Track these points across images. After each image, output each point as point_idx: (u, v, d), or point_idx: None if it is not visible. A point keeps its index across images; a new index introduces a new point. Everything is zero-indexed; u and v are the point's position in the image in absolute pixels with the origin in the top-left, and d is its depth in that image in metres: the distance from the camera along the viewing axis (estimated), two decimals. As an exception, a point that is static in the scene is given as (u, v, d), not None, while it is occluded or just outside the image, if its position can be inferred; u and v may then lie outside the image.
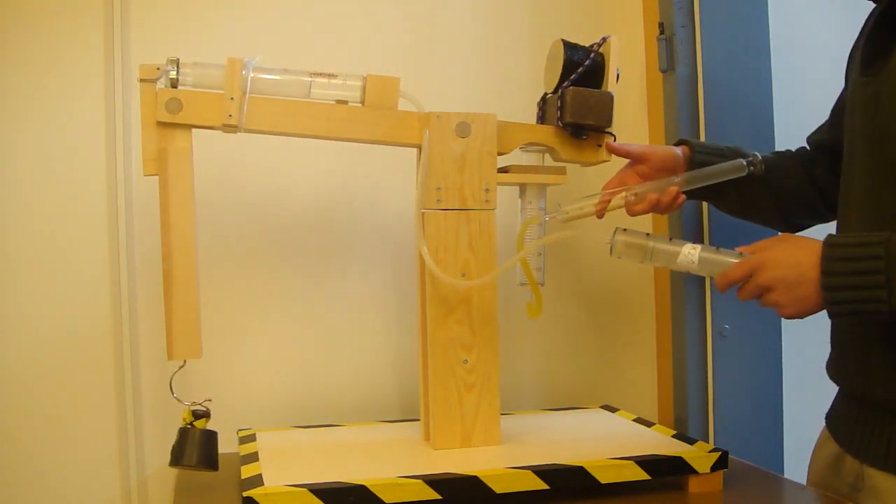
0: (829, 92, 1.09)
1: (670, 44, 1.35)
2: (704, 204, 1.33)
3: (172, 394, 1.02)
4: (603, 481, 0.97)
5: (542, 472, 0.95)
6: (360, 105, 1.06)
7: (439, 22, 1.37)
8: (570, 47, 1.10)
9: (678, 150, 1.12)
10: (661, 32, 1.36)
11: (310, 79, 1.04)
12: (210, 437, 1.01)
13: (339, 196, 1.32)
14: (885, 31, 0.93)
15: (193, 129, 1.01)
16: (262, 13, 1.29)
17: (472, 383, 1.07)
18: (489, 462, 0.99)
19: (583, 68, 1.08)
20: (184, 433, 1.00)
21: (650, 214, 1.41)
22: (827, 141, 1.10)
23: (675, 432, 1.13)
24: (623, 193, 1.07)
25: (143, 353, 1.24)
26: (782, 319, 1.01)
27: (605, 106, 1.08)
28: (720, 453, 1.01)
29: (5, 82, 1.20)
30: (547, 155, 1.14)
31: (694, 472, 1.00)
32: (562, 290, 1.42)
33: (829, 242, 0.85)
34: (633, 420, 1.23)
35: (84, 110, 1.22)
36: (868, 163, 0.92)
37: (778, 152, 1.19)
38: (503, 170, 1.09)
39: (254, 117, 1.02)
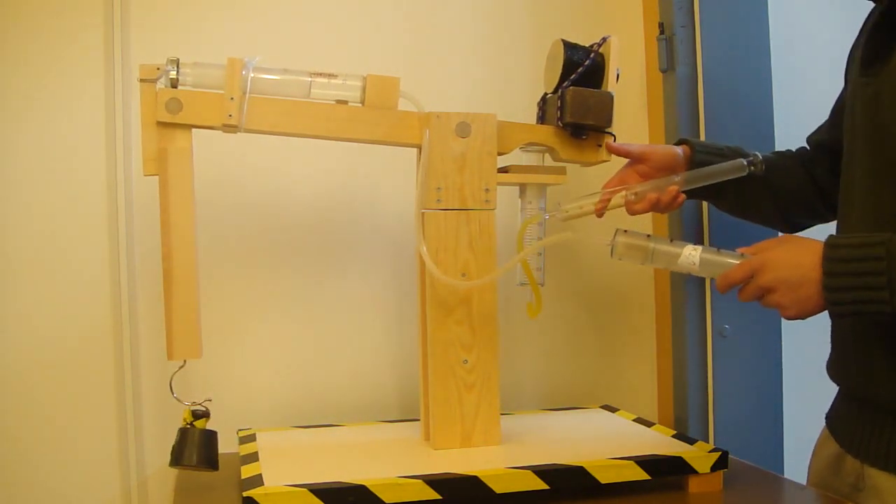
0: (829, 92, 1.09)
1: (670, 44, 1.35)
2: (704, 204, 1.33)
3: (172, 394, 1.02)
4: (603, 481, 0.97)
5: (542, 472, 0.95)
6: (360, 105, 1.06)
7: (439, 22, 1.37)
8: (570, 47, 1.10)
9: (678, 150, 1.12)
10: (661, 32, 1.36)
11: (310, 79, 1.04)
12: (210, 437, 1.01)
13: (339, 196, 1.32)
14: (885, 31, 0.93)
15: (193, 129, 1.01)
16: (262, 13, 1.29)
17: (472, 383, 1.07)
18: (489, 462, 0.99)
19: (583, 68, 1.08)
20: (184, 433, 1.00)
21: (650, 214, 1.41)
22: (827, 141, 1.10)
23: (675, 432, 1.13)
24: (623, 192, 1.07)
25: (143, 353, 1.24)
26: (782, 319, 1.01)
27: (605, 106, 1.08)
28: (720, 453, 1.01)
29: (5, 82, 1.20)
30: (547, 155, 1.14)
31: (694, 472, 1.00)
32: (562, 290, 1.42)
33: (831, 243, 0.85)
34: (633, 420, 1.23)
35: (84, 110, 1.22)
36: (868, 162, 0.92)
37: (778, 152, 1.19)
38: (503, 170, 1.09)
39: (254, 117, 1.02)
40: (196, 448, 0.99)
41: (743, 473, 1.09)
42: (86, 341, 1.22)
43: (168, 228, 0.99)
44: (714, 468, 1.01)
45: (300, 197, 1.31)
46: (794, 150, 1.18)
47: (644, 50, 1.43)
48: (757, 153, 1.08)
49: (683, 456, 1.00)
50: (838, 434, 1.01)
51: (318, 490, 0.89)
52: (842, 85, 1.06)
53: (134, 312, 1.24)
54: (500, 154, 1.08)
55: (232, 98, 1.00)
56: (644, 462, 0.99)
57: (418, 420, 1.15)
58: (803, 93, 1.37)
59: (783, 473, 1.30)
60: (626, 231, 0.98)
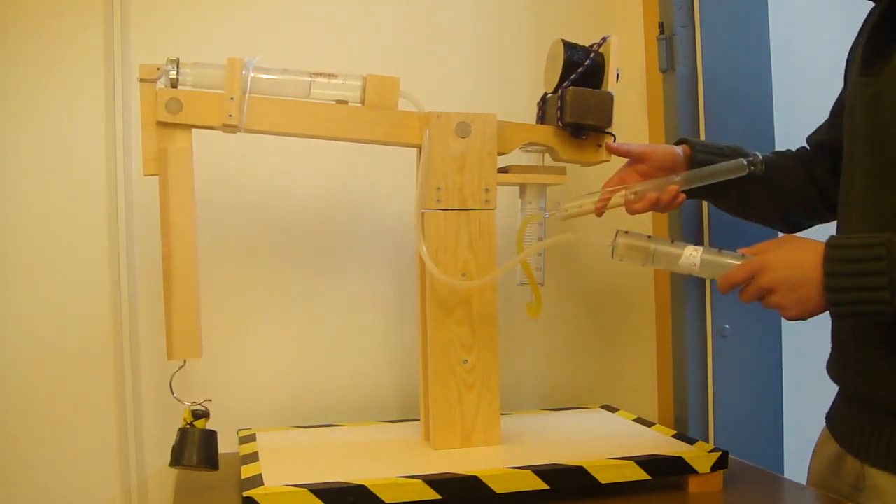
0: (829, 92, 1.09)
1: (670, 44, 1.35)
2: (705, 204, 1.33)
3: (172, 394, 1.02)
4: (603, 481, 0.97)
5: (542, 472, 0.95)
6: (360, 105, 1.06)
7: (439, 22, 1.37)
8: (570, 47, 1.10)
9: (678, 149, 1.12)
10: (661, 32, 1.36)
11: (310, 79, 1.04)
12: (210, 437, 1.01)
13: (339, 196, 1.32)
14: (885, 30, 0.93)
15: (193, 129, 1.01)
16: (262, 13, 1.29)
17: (472, 383, 1.07)
18: (489, 462, 0.99)
19: (583, 68, 1.08)
20: (184, 433, 1.00)
21: (650, 214, 1.41)
22: (827, 141, 1.10)
23: (675, 432, 1.13)
24: (623, 192, 1.07)
25: (143, 353, 1.24)
26: (782, 319, 1.01)
27: (605, 106, 1.08)
28: (720, 453, 1.01)
29: (5, 82, 1.20)
30: (547, 155, 1.14)
31: (694, 472, 1.00)
32: (562, 290, 1.42)
33: (831, 244, 0.85)
34: (633, 420, 1.23)
35: (84, 110, 1.22)
36: (868, 162, 0.92)
37: (778, 152, 1.19)
38: (503, 170, 1.09)
39: (254, 117, 1.02)
40: (196, 448, 0.99)
41: (743, 473, 1.09)
42: (86, 341, 1.22)
43: (168, 228, 0.99)
44: (714, 468, 1.01)
45: (300, 197, 1.31)
46: (794, 150, 1.18)
47: (644, 50, 1.43)
48: (757, 153, 1.08)
49: (683, 456, 1.00)
50: (838, 434, 1.01)
51: (318, 490, 0.89)
52: (842, 85, 1.06)
53: (134, 312, 1.24)
54: (500, 154, 1.08)
55: (232, 98, 1.00)
56: (644, 462, 0.99)
57: (418, 420, 1.15)
58: (803, 93, 1.37)
59: (783, 473, 1.30)
60: (626, 232, 0.98)
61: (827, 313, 0.87)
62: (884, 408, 0.92)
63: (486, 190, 1.06)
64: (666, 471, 1.00)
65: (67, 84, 1.22)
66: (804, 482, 1.07)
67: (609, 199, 1.08)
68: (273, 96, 1.03)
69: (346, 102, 1.06)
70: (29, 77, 1.20)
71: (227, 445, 1.07)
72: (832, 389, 1.04)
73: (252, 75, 1.01)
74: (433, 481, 0.92)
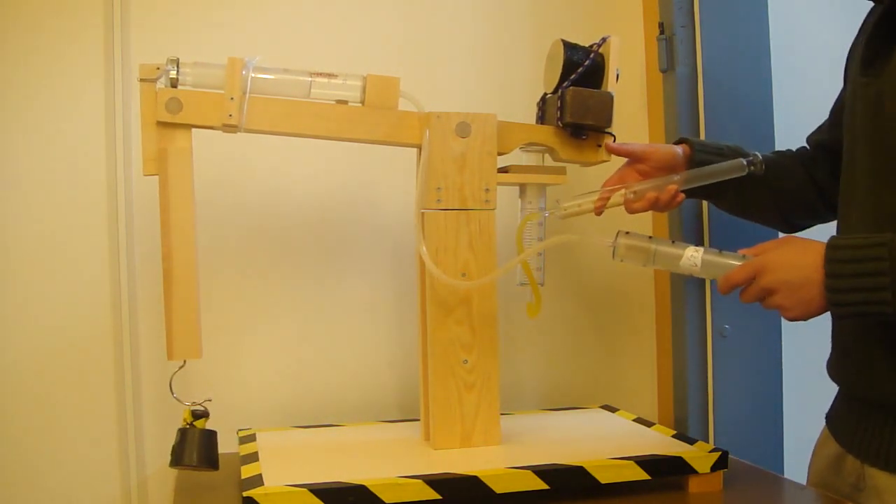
0: (829, 92, 1.09)
1: (670, 44, 1.35)
2: (705, 204, 1.33)
3: (172, 394, 1.02)
4: (603, 481, 0.97)
5: (542, 472, 0.95)
6: (360, 105, 1.06)
7: (439, 22, 1.37)
8: (569, 47, 1.10)
9: (678, 149, 1.12)
10: (661, 32, 1.36)
11: (310, 79, 1.04)
12: (210, 437, 1.01)
13: (339, 196, 1.32)
14: (885, 30, 0.93)
15: (193, 129, 1.01)
16: (262, 13, 1.29)
17: (472, 383, 1.07)
18: (489, 462, 0.99)
19: (583, 68, 1.08)
20: (184, 433, 1.00)
21: (650, 214, 1.41)
22: (827, 141, 1.10)
23: (675, 432, 1.13)
24: (622, 191, 1.07)
25: (143, 353, 1.24)
26: (782, 319, 1.01)
27: (605, 106, 1.08)
28: (720, 453, 1.01)
29: (5, 82, 1.20)
30: (547, 155, 1.14)
31: (694, 472, 1.00)
32: (562, 290, 1.42)
33: (832, 244, 0.85)
34: (633, 420, 1.23)
35: (84, 110, 1.22)
36: (868, 163, 0.92)
37: (778, 152, 1.19)
38: (503, 170, 1.09)
39: (254, 117, 1.02)
40: (196, 448, 0.99)
41: (743, 473, 1.09)
42: (86, 341, 1.22)
43: (168, 228, 0.99)
44: (714, 468, 1.01)
45: (300, 197, 1.31)
46: (794, 150, 1.18)
47: (644, 50, 1.43)
48: (757, 153, 1.08)
49: (683, 456, 1.00)
50: (838, 434, 1.01)
51: (318, 490, 0.89)
52: (842, 85, 1.06)
53: (134, 312, 1.24)
54: (500, 154, 1.08)
55: (232, 98, 1.00)
56: (644, 462, 0.99)
57: (418, 420, 1.15)
58: (803, 93, 1.37)
59: (783, 473, 1.29)
60: (627, 233, 0.98)
61: (827, 313, 0.87)
62: (884, 408, 0.92)
63: (486, 190, 1.06)
64: (666, 471, 1.00)
65: (67, 84, 1.22)
66: (804, 482, 1.07)
67: (608, 198, 1.08)
68: (273, 96, 1.03)
69: (346, 102, 1.06)
70: (29, 77, 1.20)
71: (227, 445, 1.07)
72: (832, 389, 1.04)
73: (252, 75, 1.01)
74: (433, 481, 0.92)
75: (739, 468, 1.10)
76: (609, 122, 1.09)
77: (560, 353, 1.42)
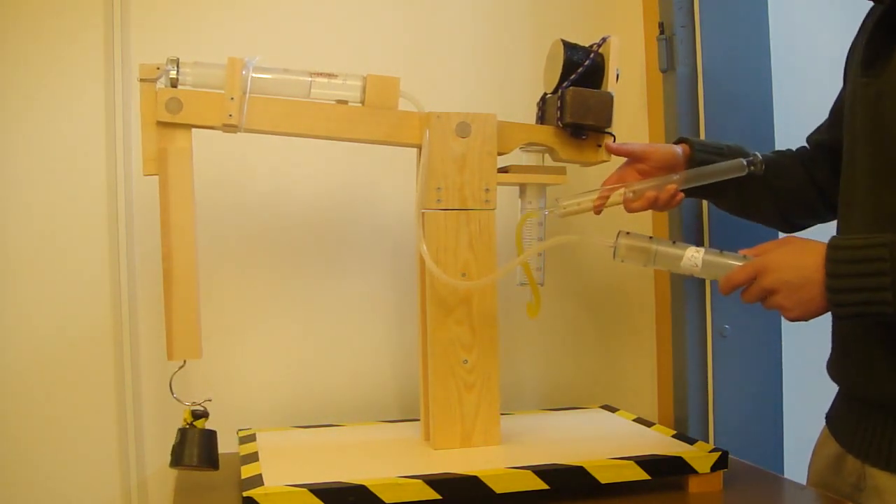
0: (829, 92, 1.09)
1: (670, 44, 1.35)
2: (705, 204, 1.33)
3: (172, 394, 1.02)
4: (603, 481, 0.97)
5: (542, 472, 0.95)
6: (360, 105, 1.06)
7: (439, 22, 1.37)
8: (569, 47, 1.10)
9: (678, 149, 1.12)
10: (661, 32, 1.36)
11: (310, 79, 1.04)
12: (210, 437, 1.01)
13: (339, 196, 1.32)
14: (885, 30, 0.93)
15: (193, 129, 1.01)
16: (262, 13, 1.29)
17: (472, 383, 1.07)
18: (489, 462, 0.99)
19: (583, 68, 1.08)
20: (184, 433, 1.00)
21: (649, 213, 1.41)
22: (827, 140, 1.10)
23: (675, 432, 1.13)
24: (622, 190, 1.07)
25: (143, 353, 1.24)
26: (782, 319, 1.01)
27: (605, 106, 1.08)
28: (720, 453, 1.01)
29: (5, 82, 1.20)
30: (547, 155, 1.14)
31: (694, 472, 1.00)
32: (562, 289, 1.42)
33: (833, 244, 0.85)
34: (633, 420, 1.23)
35: (84, 110, 1.22)
36: (868, 163, 0.92)
37: (778, 152, 1.19)
38: (503, 170, 1.09)
39: (254, 117, 1.02)
40: (196, 448, 0.99)
41: (743, 473, 1.09)
42: (86, 341, 1.22)
43: (168, 228, 0.99)
44: (714, 468, 1.01)
45: (300, 197, 1.31)
46: (794, 149, 1.18)
47: (644, 50, 1.43)
48: (757, 153, 1.08)
49: (683, 456, 1.00)
50: (839, 434, 1.01)
51: (318, 490, 0.89)
52: (841, 85, 1.06)
53: (134, 312, 1.24)
54: (500, 154, 1.08)
55: (232, 98, 1.00)
56: (644, 462, 0.99)
57: (418, 420, 1.15)
58: (803, 93, 1.37)
59: (783, 473, 1.29)
60: (628, 233, 0.98)
61: (828, 313, 0.87)
62: (884, 408, 0.92)
63: (486, 190, 1.06)
64: (666, 471, 1.00)
65: (67, 84, 1.22)
66: (804, 482, 1.07)
67: (608, 197, 1.08)
68: (273, 96, 1.03)
69: (346, 102, 1.06)
70: (29, 77, 1.20)
71: (227, 445, 1.07)
72: (832, 389, 1.04)
73: (252, 75, 1.01)
74: (433, 481, 0.92)
75: (739, 468, 1.10)
76: (609, 122, 1.09)
77: (560, 353, 1.42)
